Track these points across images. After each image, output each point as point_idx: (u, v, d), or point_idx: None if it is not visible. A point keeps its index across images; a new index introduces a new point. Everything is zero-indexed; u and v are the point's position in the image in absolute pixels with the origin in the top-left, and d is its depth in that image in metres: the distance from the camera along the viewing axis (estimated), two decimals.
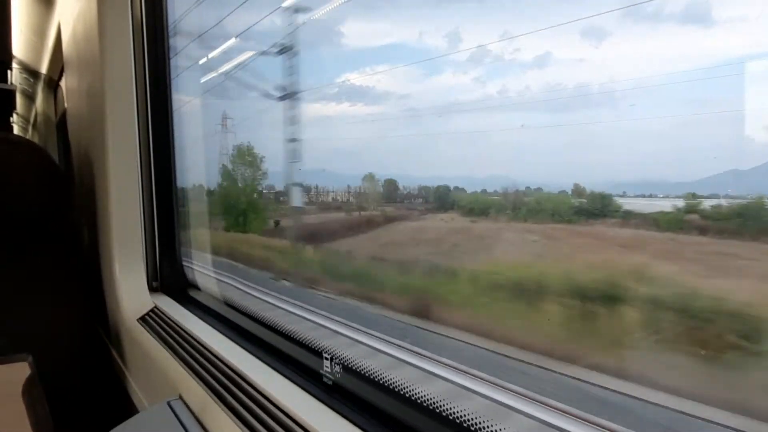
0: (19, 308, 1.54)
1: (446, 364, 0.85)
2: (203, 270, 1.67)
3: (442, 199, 1.14)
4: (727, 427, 0.60)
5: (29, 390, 0.97)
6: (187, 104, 1.78)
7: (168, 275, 1.68)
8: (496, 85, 0.85)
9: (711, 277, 0.70)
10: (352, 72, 1.21)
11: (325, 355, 0.95)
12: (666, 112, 0.66)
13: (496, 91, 0.84)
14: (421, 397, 0.78)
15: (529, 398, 0.73)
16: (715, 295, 0.67)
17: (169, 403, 1.08)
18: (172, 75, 1.67)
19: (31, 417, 0.95)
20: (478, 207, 1.01)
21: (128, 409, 1.48)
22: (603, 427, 0.65)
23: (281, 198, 1.71)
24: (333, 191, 1.50)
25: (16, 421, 0.94)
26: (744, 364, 0.62)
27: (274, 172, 1.70)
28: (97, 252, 1.78)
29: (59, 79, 3.60)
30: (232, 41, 1.61)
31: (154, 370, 1.32)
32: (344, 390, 0.91)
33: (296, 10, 1.29)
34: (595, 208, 0.81)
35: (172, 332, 1.34)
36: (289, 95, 1.33)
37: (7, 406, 0.94)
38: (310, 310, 1.17)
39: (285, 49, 1.30)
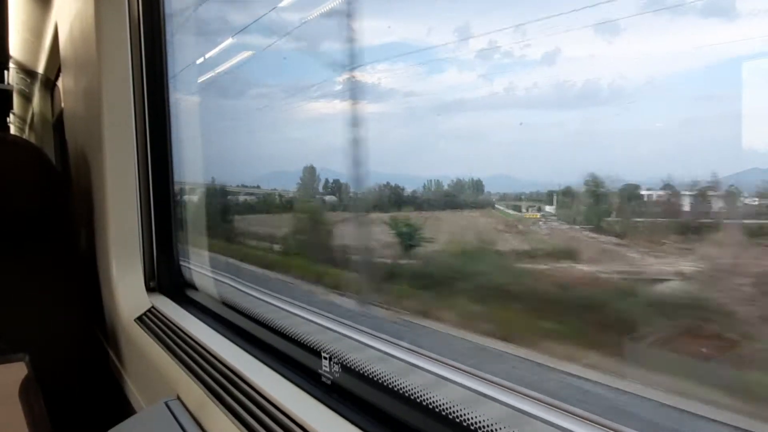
0: (16, 308, 1.53)
1: (450, 365, 0.85)
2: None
3: None
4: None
5: (26, 390, 0.97)
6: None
7: (165, 275, 1.68)
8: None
9: None
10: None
11: (323, 354, 0.95)
12: None
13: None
14: (421, 396, 0.78)
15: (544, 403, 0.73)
16: None
17: (166, 403, 1.08)
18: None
19: (28, 418, 0.94)
20: None
21: (125, 410, 1.48)
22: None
23: None
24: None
25: (13, 422, 0.93)
26: None
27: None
28: (94, 252, 1.77)
29: (56, 79, 3.59)
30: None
31: (151, 370, 1.31)
32: (343, 389, 0.91)
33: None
34: None
35: (169, 332, 1.34)
36: None
37: (3, 407, 0.94)
38: (309, 309, 1.17)
39: None
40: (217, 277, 1.56)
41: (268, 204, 1.81)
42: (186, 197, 1.87)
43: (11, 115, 5.39)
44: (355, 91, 1.17)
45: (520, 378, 0.79)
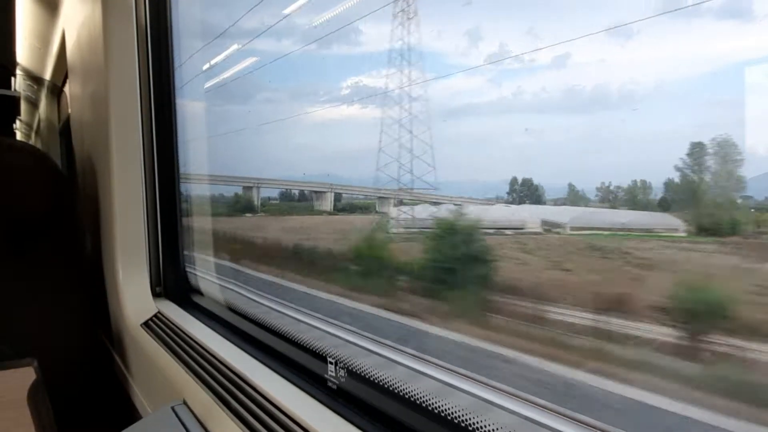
0: (22, 313, 1.54)
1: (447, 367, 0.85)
2: None
3: None
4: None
5: (34, 395, 0.97)
6: None
7: (171, 281, 1.68)
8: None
9: None
10: None
11: (329, 359, 0.96)
12: None
13: None
14: (427, 401, 0.78)
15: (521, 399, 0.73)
16: None
17: (173, 408, 1.08)
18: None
19: (36, 422, 0.95)
20: None
21: (131, 415, 1.48)
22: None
23: None
24: None
25: (21, 426, 0.93)
26: None
27: None
28: (100, 257, 1.78)
29: (63, 85, 3.62)
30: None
31: (157, 375, 1.32)
32: (349, 394, 0.91)
33: None
34: None
35: (175, 337, 1.34)
36: None
37: (12, 411, 0.94)
38: (314, 315, 1.17)
39: None
40: None
41: None
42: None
43: (17, 122, 5.42)
44: None
45: None
